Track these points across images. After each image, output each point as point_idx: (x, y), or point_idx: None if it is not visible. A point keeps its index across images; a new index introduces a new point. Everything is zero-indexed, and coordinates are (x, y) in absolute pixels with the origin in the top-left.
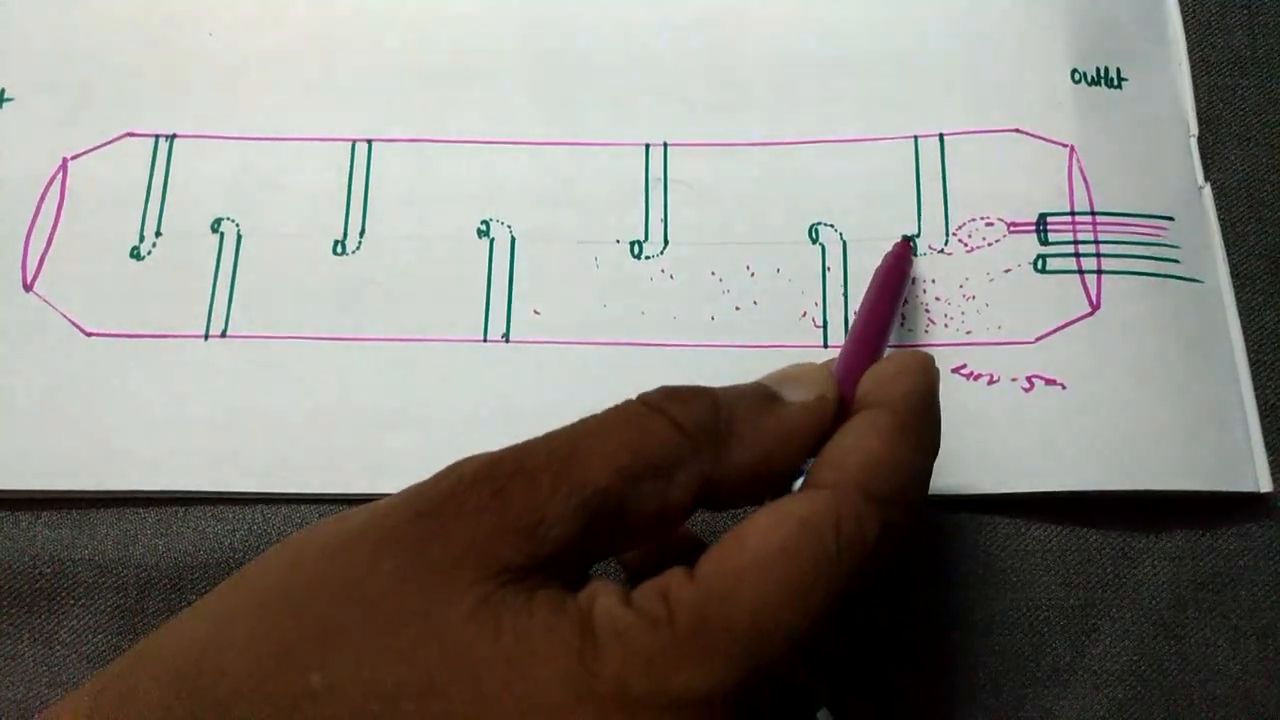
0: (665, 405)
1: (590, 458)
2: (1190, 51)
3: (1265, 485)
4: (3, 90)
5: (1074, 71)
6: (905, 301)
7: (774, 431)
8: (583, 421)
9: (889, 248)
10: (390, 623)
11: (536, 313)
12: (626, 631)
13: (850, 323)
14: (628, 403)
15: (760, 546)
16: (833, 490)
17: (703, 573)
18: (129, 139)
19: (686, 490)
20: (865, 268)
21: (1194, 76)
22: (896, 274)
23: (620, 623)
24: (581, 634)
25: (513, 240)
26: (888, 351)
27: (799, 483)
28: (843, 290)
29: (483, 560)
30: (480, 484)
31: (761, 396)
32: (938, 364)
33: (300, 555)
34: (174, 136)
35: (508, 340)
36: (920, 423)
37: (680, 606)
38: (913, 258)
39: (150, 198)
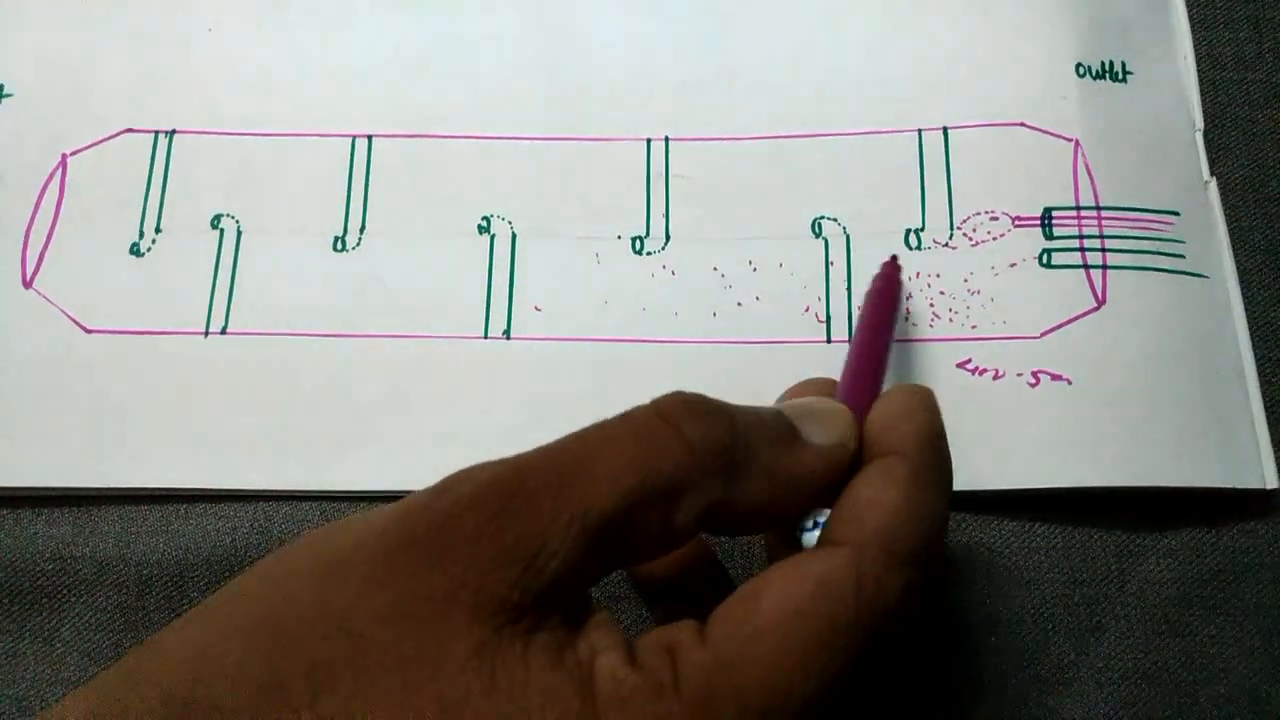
0: (680, 420)
1: (594, 478)
2: (1195, 46)
3: (1271, 482)
4: (2, 85)
5: (1079, 65)
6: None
7: (790, 474)
8: (586, 432)
9: (887, 243)
10: (383, 663)
11: (537, 309)
12: (630, 697)
13: (853, 332)
14: (638, 411)
15: (775, 609)
16: (852, 549)
17: (713, 634)
18: (128, 135)
19: (692, 515)
20: (869, 262)
21: (1199, 71)
22: (888, 297)
23: (623, 687)
24: (581, 696)
25: (513, 236)
26: (888, 376)
27: (812, 535)
28: (846, 285)
29: (479, 596)
30: (477, 507)
31: (782, 430)
32: (944, 358)
33: (290, 580)
34: (174, 132)
35: (508, 337)
36: (935, 466)
37: (688, 670)
38: (901, 279)
39: (150, 194)
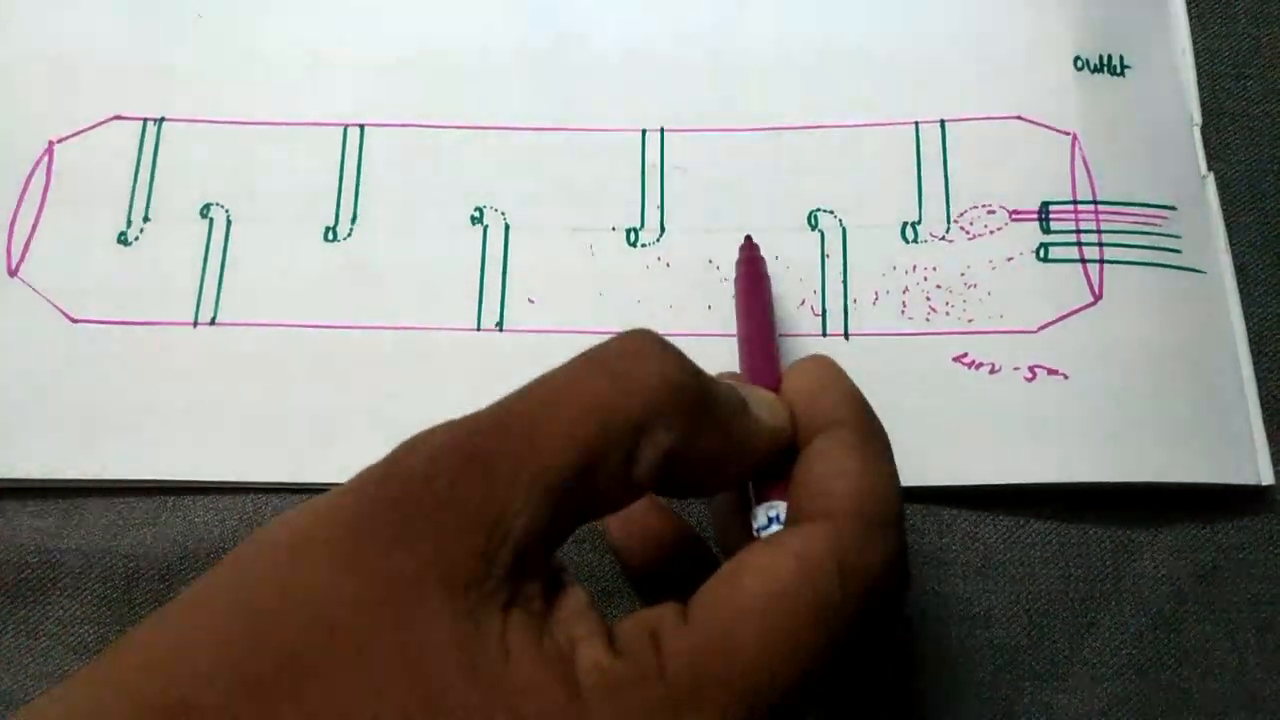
0: (644, 356)
1: (552, 432)
2: (1194, 40)
3: (1266, 478)
4: None
5: (1077, 59)
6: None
7: (744, 432)
8: (542, 380)
9: (883, 236)
10: (360, 652)
11: (530, 301)
12: (616, 688)
13: (736, 322)
14: (595, 349)
15: (757, 587)
16: (828, 522)
17: (696, 617)
18: (116, 122)
19: (652, 460)
20: (865, 255)
21: (1197, 65)
22: (755, 278)
23: (608, 676)
24: (566, 688)
25: (506, 227)
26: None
27: (772, 529)
28: (842, 278)
29: (448, 572)
30: (433, 476)
31: (738, 396)
32: (941, 352)
33: (253, 567)
34: (162, 120)
35: (501, 329)
36: (876, 429)
37: (673, 655)
38: (760, 256)
39: (138, 182)
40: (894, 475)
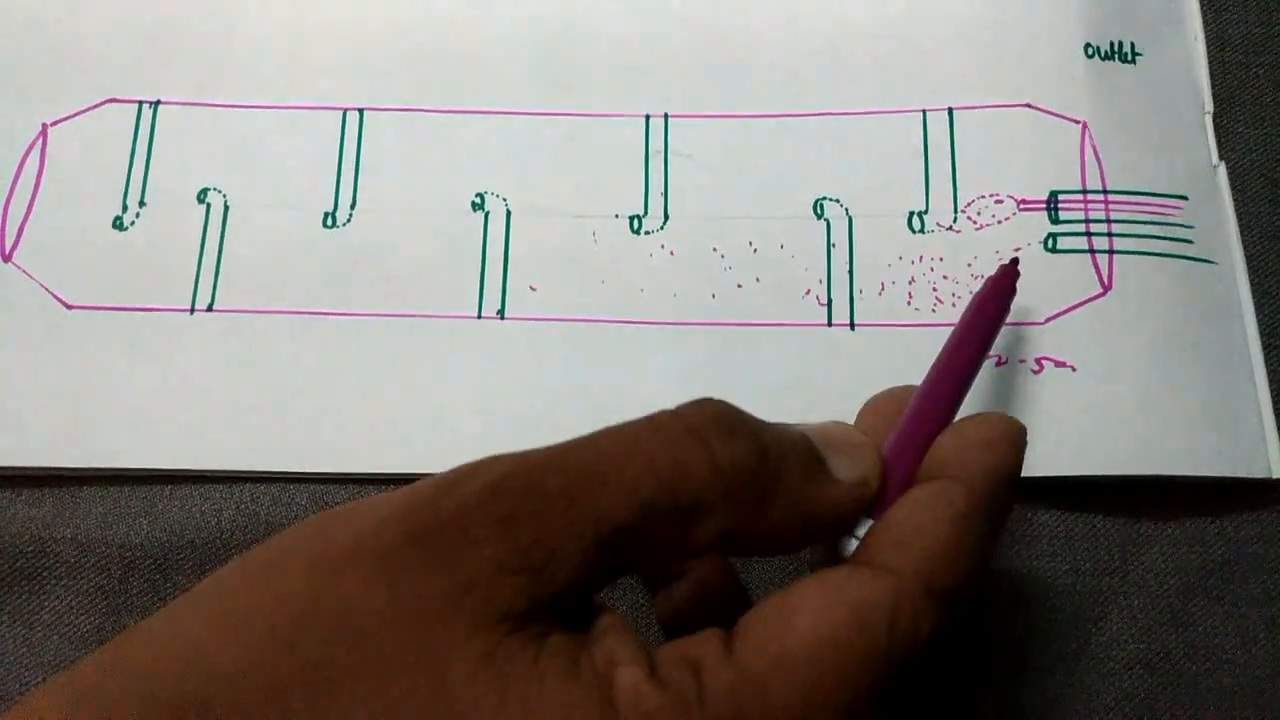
0: (709, 436)
1: (611, 486)
2: (1205, 27)
3: (1277, 471)
4: None
5: (1087, 46)
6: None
7: (815, 506)
8: (608, 433)
9: (890, 226)
10: (385, 669)
11: (532, 289)
12: (653, 714)
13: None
14: (663, 418)
15: (808, 632)
16: (892, 578)
17: (741, 650)
18: (111, 105)
19: (710, 535)
20: (871, 245)
21: (1209, 53)
22: (989, 309)
23: (646, 702)
24: (602, 711)
25: (508, 214)
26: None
27: (850, 543)
28: (848, 268)
29: (484, 603)
30: (486, 507)
31: (809, 459)
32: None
33: (283, 572)
34: (158, 103)
35: (502, 317)
36: (997, 506)
37: (713, 688)
38: (1015, 287)
39: (133, 166)
40: (983, 554)
